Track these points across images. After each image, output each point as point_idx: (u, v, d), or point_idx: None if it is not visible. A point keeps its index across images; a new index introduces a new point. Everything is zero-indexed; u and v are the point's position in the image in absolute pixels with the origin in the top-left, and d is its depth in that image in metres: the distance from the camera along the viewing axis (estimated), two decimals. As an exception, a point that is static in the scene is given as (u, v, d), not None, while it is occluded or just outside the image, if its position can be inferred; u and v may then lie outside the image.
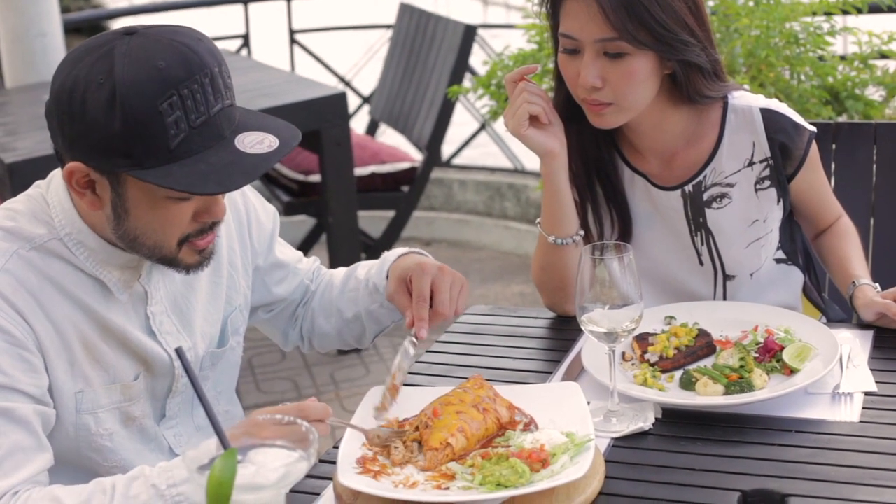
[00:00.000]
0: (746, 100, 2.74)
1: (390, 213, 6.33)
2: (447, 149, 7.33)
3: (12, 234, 2.12)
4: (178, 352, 1.90)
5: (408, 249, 2.59)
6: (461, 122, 7.46)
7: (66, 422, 2.16)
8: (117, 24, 12.07)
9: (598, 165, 2.80)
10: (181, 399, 2.34)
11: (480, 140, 7.78)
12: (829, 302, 3.04)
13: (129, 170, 1.99)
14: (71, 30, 7.36)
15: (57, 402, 2.14)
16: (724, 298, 2.82)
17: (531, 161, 7.21)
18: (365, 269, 2.63)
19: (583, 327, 2.25)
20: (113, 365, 2.21)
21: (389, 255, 2.57)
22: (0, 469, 1.97)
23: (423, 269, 2.40)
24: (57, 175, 2.19)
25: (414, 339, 2.32)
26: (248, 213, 2.50)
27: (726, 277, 2.80)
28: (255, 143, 2.06)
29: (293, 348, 2.78)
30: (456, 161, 7.81)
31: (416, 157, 6.46)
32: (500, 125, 6.82)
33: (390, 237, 6.25)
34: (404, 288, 2.44)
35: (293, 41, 7.98)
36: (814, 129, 2.76)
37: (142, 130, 1.96)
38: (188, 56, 2.01)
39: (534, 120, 2.66)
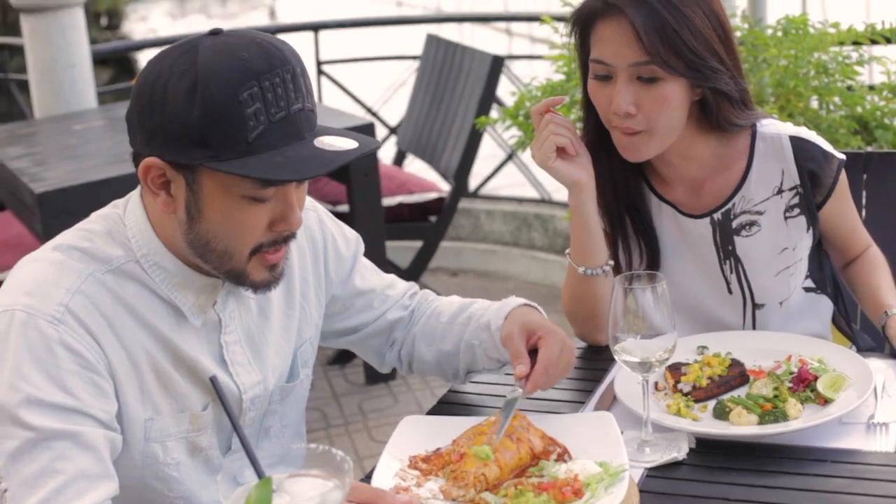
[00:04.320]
0: (775, 127, 2.74)
1: (418, 244, 6.32)
2: (474, 179, 7.33)
3: (88, 255, 2.10)
4: (213, 380, 1.90)
5: (528, 302, 2.54)
6: (488, 153, 7.46)
7: (133, 449, 2.13)
8: (143, 55, 12.18)
9: (627, 195, 2.80)
10: (248, 433, 2.27)
11: (507, 170, 7.77)
12: (859, 331, 3.02)
13: (206, 161, 1.97)
14: (98, 61, 7.39)
15: (125, 429, 2.10)
16: (754, 327, 2.81)
17: (558, 191, 7.21)
18: (482, 305, 2.58)
19: (616, 357, 2.24)
20: (182, 394, 2.17)
21: (513, 300, 2.53)
22: (62, 495, 1.93)
23: (557, 336, 2.37)
24: (134, 195, 2.18)
25: (520, 393, 2.28)
26: (325, 243, 2.46)
27: (755, 306, 2.79)
28: (333, 142, 2.04)
29: (390, 370, 2.71)
30: (483, 191, 7.81)
31: (444, 187, 6.46)
32: (527, 155, 6.82)
33: (418, 267, 6.23)
34: (525, 338, 2.39)
35: (320, 72, 8.00)
36: (843, 157, 2.75)
37: (221, 118, 1.95)
38: (271, 51, 2.01)
39: (561, 151, 2.65)
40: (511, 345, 2.40)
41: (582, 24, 2.63)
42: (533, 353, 2.38)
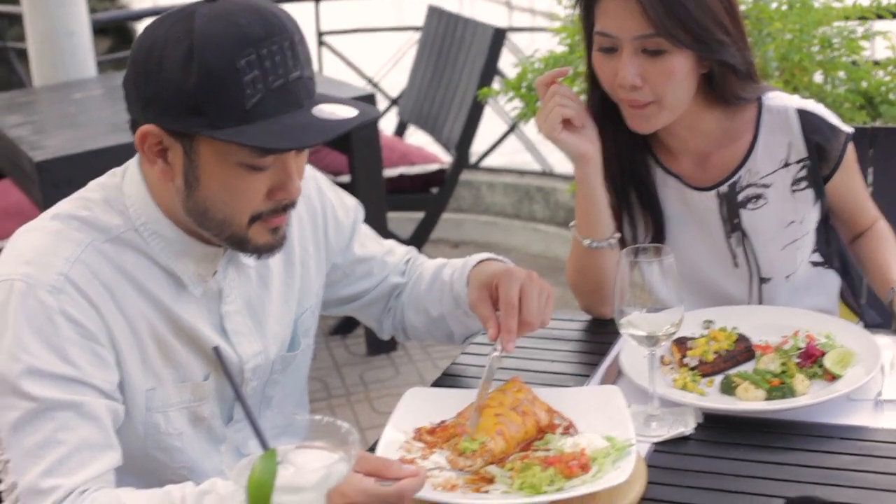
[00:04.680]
0: (782, 100, 2.72)
1: (419, 215, 6.31)
2: (476, 151, 7.31)
3: (88, 224, 2.08)
4: (216, 351, 1.88)
5: (489, 255, 2.54)
6: (490, 125, 7.44)
7: (135, 420, 2.11)
8: (143, 24, 12.14)
9: (632, 168, 2.78)
10: (250, 403, 2.25)
11: (509, 142, 7.75)
12: (866, 307, 3.01)
13: (202, 129, 1.94)
14: (98, 30, 7.36)
15: (127, 399, 2.09)
16: (760, 301, 2.79)
17: (560, 164, 7.19)
18: (450, 270, 2.56)
19: (622, 331, 2.23)
20: (184, 363, 2.16)
21: (471, 260, 2.52)
22: (65, 465, 1.92)
23: (511, 276, 2.33)
24: (132, 163, 2.15)
25: (499, 354, 2.26)
26: (324, 211, 2.45)
27: (762, 280, 2.78)
28: (333, 111, 2.01)
29: (389, 337, 2.71)
30: (484, 163, 7.79)
31: (445, 158, 6.44)
32: (528, 128, 6.80)
33: (419, 238, 6.23)
34: (487, 295, 2.36)
35: (321, 43, 7.97)
36: (850, 130, 2.74)
37: (217, 86, 1.92)
38: (269, 18, 1.97)
39: (566, 123, 2.63)
40: (478, 311, 2.38)
41: (587, -5, 2.61)
42: None
